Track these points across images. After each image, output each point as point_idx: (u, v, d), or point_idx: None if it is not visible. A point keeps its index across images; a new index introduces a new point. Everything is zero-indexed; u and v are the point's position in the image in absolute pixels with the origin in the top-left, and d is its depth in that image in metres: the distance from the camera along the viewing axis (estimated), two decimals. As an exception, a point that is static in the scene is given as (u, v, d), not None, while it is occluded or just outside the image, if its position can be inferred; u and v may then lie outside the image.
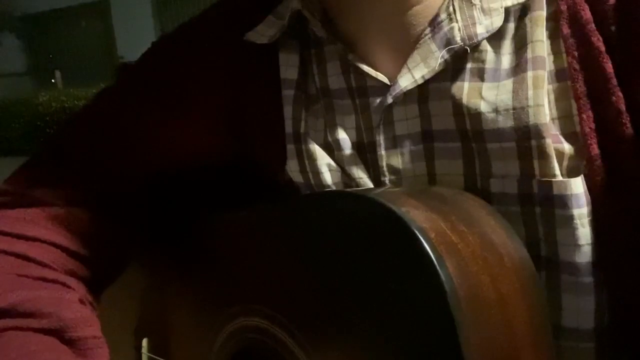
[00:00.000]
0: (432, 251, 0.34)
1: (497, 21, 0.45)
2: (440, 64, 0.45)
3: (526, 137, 0.44)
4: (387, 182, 0.49)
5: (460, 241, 0.37)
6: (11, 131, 7.74)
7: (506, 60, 0.46)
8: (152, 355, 0.62)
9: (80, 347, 0.46)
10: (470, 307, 0.34)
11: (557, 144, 0.44)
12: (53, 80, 9.38)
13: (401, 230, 0.36)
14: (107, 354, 0.48)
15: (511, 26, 0.45)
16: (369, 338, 0.38)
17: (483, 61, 0.45)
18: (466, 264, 0.36)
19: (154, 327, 0.62)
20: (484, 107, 0.45)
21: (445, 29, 0.46)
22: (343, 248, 0.40)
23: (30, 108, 7.71)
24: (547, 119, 0.43)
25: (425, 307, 0.35)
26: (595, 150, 0.43)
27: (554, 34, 0.45)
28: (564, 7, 0.44)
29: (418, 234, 0.35)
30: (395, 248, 0.36)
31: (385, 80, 0.48)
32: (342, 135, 0.50)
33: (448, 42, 0.45)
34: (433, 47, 0.46)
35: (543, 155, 0.43)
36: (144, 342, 0.62)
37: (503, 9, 0.45)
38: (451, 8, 0.46)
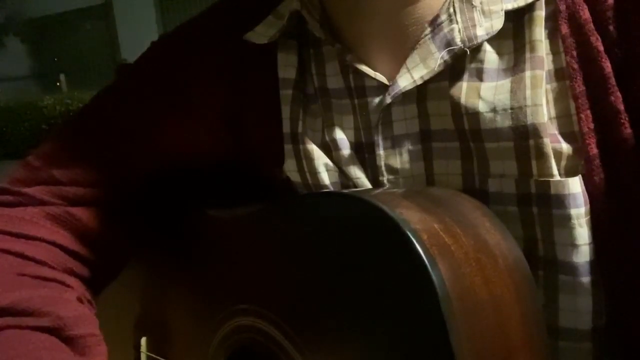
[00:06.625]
0: (424, 253, 0.34)
1: (497, 24, 0.44)
2: (439, 65, 0.45)
3: (524, 136, 0.43)
4: (385, 182, 0.49)
5: (453, 243, 0.36)
6: (16, 134, 7.76)
7: (505, 60, 0.46)
8: (150, 354, 0.62)
9: (78, 345, 0.46)
10: (462, 309, 0.34)
11: (555, 144, 0.44)
12: (58, 84, 9.42)
13: (394, 231, 0.35)
14: (106, 352, 0.48)
15: (510, 26, 0.45)
16: (362, 339, 0.38)
17: (482, 61, 0.45)
18: (459, 265, 0.35)
19: (152, 325, 0.62)
20: (482, 106, 0.45)
21: (446, 30, 0.46)
22: (336, 249, 0.40)
23: (35, 111, 7.74)
24: (545, 118, 0.43)
25: (417, 308, 0.35)
26: (593, 150, 0.43)
27: (552, 34, 0.45)
28: (562, 7, 0.44)
29: (410, 236, 0.35)
30: (387, 249, 0.36)
31: (384, 80, 0.48)
32: (340, 135, 0.50)
33: (448, 43, 0.45)
34: (432, 47, 0.46)
35: (541, 154, 0.43)
36: (143, 340, 0.62)
37: (503, 12, 0.44)
38: (452, 9, 0.46)
